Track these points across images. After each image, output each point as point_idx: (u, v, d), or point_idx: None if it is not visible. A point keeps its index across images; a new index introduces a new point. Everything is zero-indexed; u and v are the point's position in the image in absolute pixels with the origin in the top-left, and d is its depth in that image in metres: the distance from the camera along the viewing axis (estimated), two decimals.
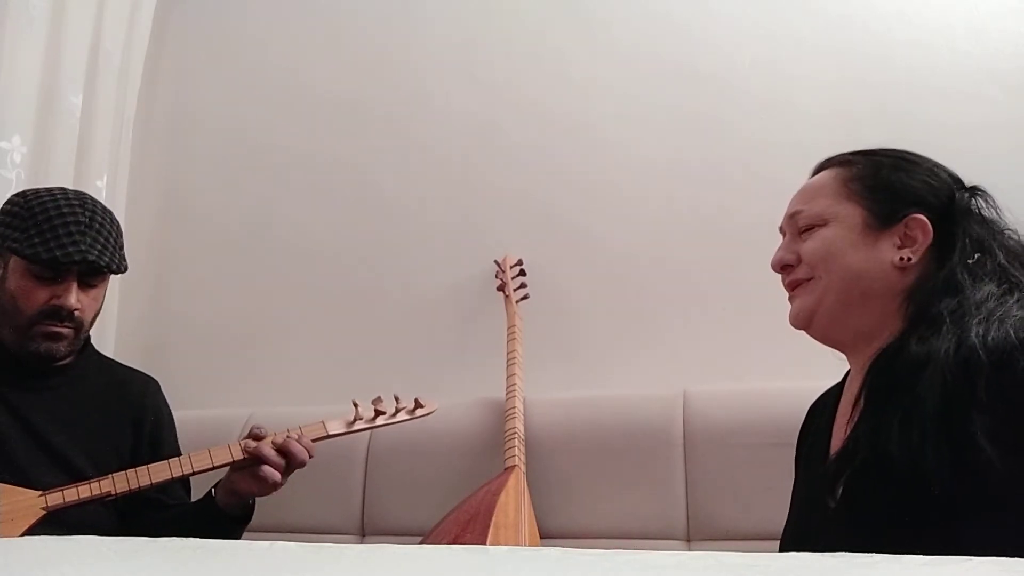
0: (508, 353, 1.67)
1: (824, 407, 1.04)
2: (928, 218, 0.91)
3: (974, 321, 0.80)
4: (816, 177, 1.01)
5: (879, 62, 1.73)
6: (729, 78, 1.82)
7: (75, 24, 1.93)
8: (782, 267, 0.99)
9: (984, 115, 1.64)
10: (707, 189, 1.79)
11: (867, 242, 0.92)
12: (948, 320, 0.82)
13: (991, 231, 0.91)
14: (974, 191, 0.94)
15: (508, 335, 1.71)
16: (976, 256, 0.88)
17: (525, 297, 1.80)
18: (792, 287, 0.98)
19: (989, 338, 0.78)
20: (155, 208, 2.22)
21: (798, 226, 0.98)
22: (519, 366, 1.65)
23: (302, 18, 2.20)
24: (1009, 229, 0.93)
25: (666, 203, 1.81)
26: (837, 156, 1.00)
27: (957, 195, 0.93)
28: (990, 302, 0.82)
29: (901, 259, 0.90)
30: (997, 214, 0.93)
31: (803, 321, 0.97)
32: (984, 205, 0.93)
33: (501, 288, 1.81)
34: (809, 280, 0.96)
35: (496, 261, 1.86)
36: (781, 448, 1.39)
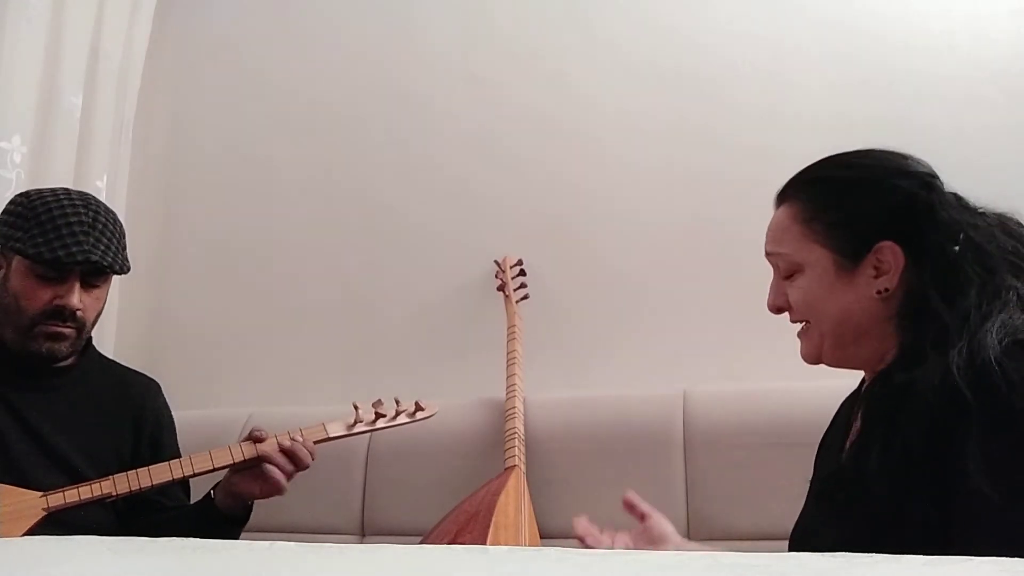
0: (508, 353, 1.67)
1: (846, 408, 1.05)
2: (895, 238, 0.89)
3: (955, 351, 0.79)
4: (778, 215, 0.99)
5: (878, 68, 1.73)
6: (727, 83, 1.82)
7: (75, 24, 1.92)
8: (777, 310, 1.00)
9: (985, 120, 1.63)
10: (706, 189, 1.79)
11: (842, 283, 0.92)
12: (930, 351, 0.81)
13: (957, 227, 0.88)
14: (928, 187, 0.91)
15: (508, 335, 1.71)
16: (947, 264, 0.86)
17: (525, 297, 1.80)
18: (795, 323, 1.00)
19: (971, 366, 0.77)
20: (155, 208, 2.22)
21: (780, 268, 0.98)
22: (519, 366, 1.65)
23: (301, 19, 2.20)
24: (978, 212, 0.90)
25: (666, 203, 1.81)
26: (788, 188, 0.99)
27: (915, 200, 0.90)
28: (971, 318, 0.81)
29: (879, 291, 0.89)
30: (963, 201, 0.91)
31: (813, 361, 0.98)
32: (947, 196, 0.90)
33: (501, 288, 1.81)
34: (805, 323, 0.97)
35: (496, 261, 1.86)
36: (781, 448, 1.40)
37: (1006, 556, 0.51)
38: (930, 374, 0.79)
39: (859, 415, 0.90)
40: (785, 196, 0.99)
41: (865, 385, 0.95)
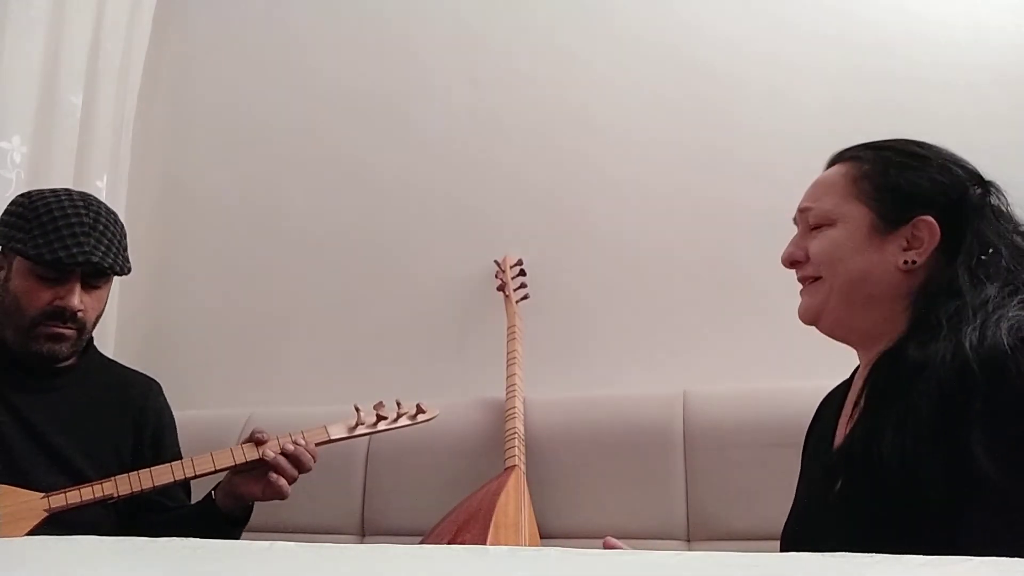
0: (508, 353, 1.67)
1: (832, 401, 1.04)
2: (937, 218, 0.90)
3: (969, 328, 0.80)
4: (827, 172, 1.00)
5: (881, 54, 1.73)
6: (728, 84, 1.82)
7: (75, 24, 1.93)
8: (791, 263, 0.99)
9: (985, 108, 1.63)
10: (706, 190, 1.78)
11: (873, 245, 0.92)
12: (946, 325, 0.82)
13: (1000, 229, 0.90)
14: (987, 187, 0.93)
15: (508, 335, 1.71)
16: (982, 256, 0.88)
17: (525, 297, 1.80)
18: (802, 282, 0.99)
19: (983, 345, 0.78)
20: (155, 208, 2.22)
21: (808, 222, 0.98)
22: (519, 366, 1.65)
23: (302, 19, 2.20)
24: (1022, 226, 0.92)
25: (665, 203, 1.81)
26: (849, 150, 1.00)
27: (969, 191, 0.91)
28: (988, 305, 0.82)
29: (906, 262, 0.90)
30: (1009, 211, 0.92)
31: (809, 319, 0.98)
32: (997, 202, 0.92)
33: (501, 288, 1.81)
34: (816, 279, 0.96)
35: (496, 261, 1.86)
36: (781, 448, 1.40)
37: (1011, 540, 0.51)
38: (943, 350, 0.80)
39: (861, 397, 0.89)
40: (843, 157, 1.00)
41: (866, 365, 0.93)
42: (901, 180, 0.93)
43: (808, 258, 0.97)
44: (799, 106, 1.76)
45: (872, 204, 0.93)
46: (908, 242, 0.91)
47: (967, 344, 0.78)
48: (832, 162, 1.01)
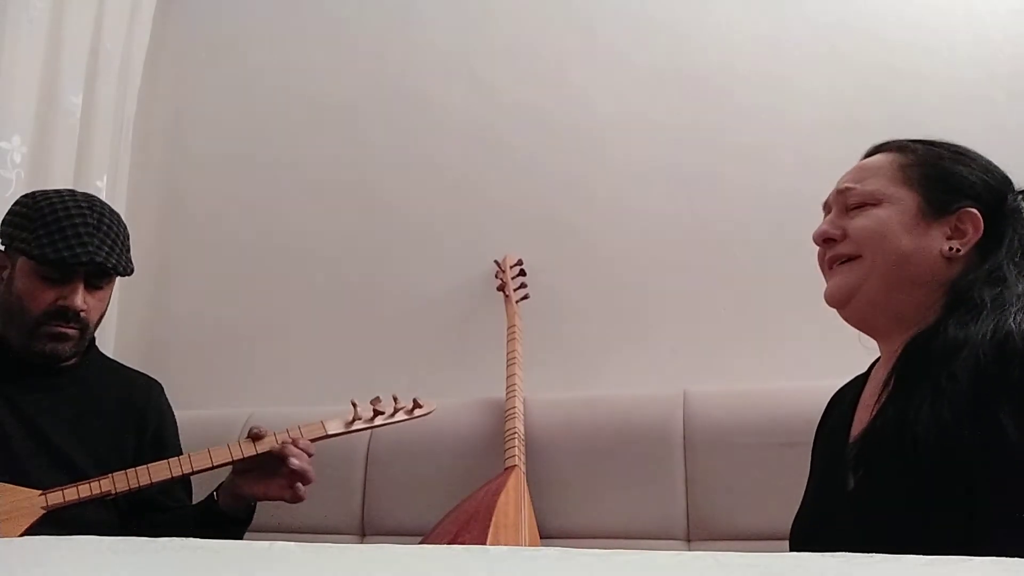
0: (508, 353, 1.67)
1: (845, 396, 1.03)
2: (980, 213, 0.91)
3: (1014, 310, 0.81)
4: (872, 158, 1.00)
5: (878, 68, 1.73)
6: (727, 83, 1.82)
7: (75, 24, 1.93)
8: (824, 240, 0.98)
9: (986, 119, 1.63)
10: (706, 189, 1.79)
11: (919, 229, 0.92)
12: (988, 306, 0.82)
13: None
14: (1022, 194, 0.94)
15: (508, 335, 1.71)
16: (1021, 256, 0.89)
17: (525, 297, 1.80)
18: (832, 262, 0.97)
19: None
20: (155, 208, 2.22)
21: (847, 203, 0.97)
22: (519, 366, 1.65)
23: (302, 19, 2.20)
24: None
25: (666, 203, 1.81)
26: (895, 141, 1.00)
27: (1009, 196, 0.93)
28: None
29: (950, 249, 0.90)
30: None
31: (842, 299, 0.96)
32: None
33: (501, 288, 1.81)
34: (854, 259, 0.95)
35: (496, 261, 1.86)
36: (781, 448, 1.40)
37: None
38: (984, 328, 0.80)
39: (890, 380, 0.88)
40: (887, 147, 1.00)
41: (892, 353, 0.92)
42: (951, 171, 0.94)
43: (844, 236, 0.95)
44: (798, 117, 1.75)
45: (920, 190, 0.93)
46: (952, 231, 0.92)
47: (1011, 322, 0.79)
48: (873, 151, 1.01)
